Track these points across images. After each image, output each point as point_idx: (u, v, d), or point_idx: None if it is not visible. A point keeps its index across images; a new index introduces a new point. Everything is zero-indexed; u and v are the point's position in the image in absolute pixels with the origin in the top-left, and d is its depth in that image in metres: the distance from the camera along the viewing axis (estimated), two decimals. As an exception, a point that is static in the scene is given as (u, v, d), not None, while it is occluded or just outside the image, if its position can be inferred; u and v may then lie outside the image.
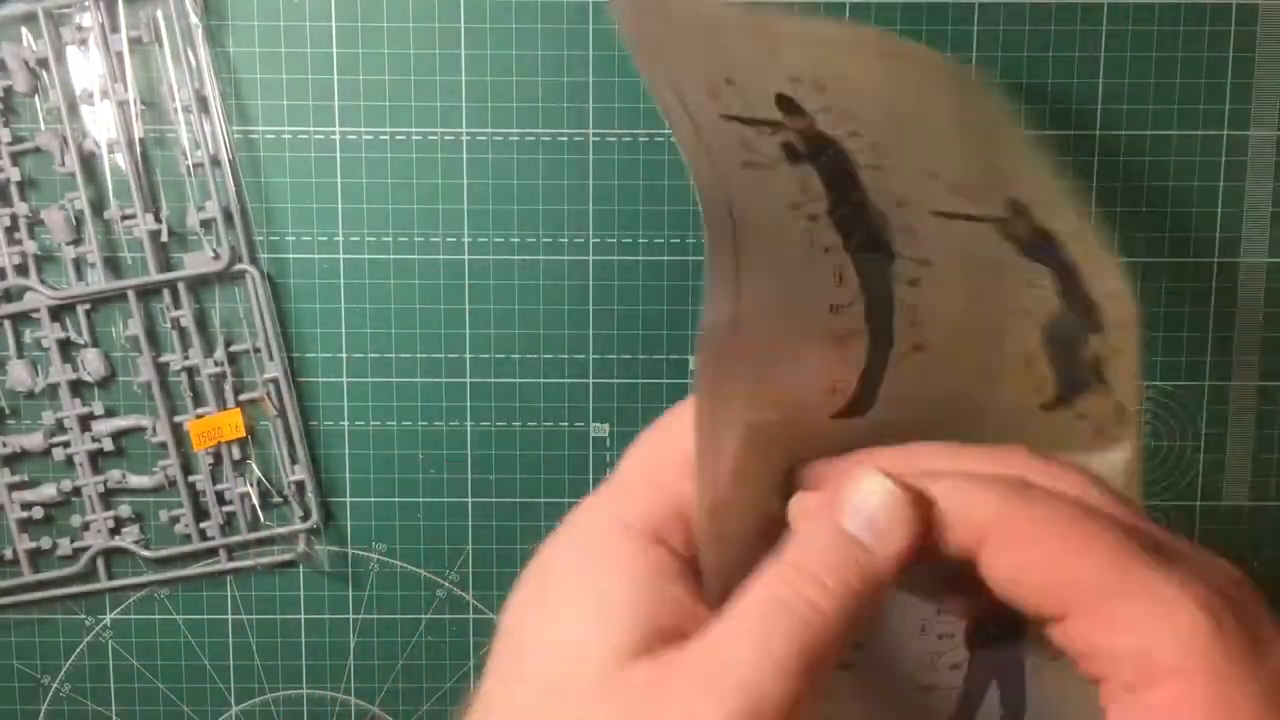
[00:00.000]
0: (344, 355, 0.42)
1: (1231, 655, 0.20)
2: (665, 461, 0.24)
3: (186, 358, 0.41)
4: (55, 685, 0.43)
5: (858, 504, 0.23)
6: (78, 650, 0.43)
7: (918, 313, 0.28)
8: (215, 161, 0.40)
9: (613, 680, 0.21)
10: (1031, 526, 0.22)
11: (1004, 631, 0.30)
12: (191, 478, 0.42)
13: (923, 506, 0.23)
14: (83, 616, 0.43)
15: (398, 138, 0.41)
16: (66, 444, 0.42)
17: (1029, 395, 0.30)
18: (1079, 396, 0.30)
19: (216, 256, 0.40)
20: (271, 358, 0.41)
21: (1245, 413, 0.43)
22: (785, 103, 0.28)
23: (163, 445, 0.42)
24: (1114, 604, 0.21)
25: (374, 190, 0.41)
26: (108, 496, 0.42)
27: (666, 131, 0.41)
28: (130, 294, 0.41)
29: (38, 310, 0.41)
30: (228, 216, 0.40)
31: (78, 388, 0.42)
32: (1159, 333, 0.42)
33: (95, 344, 0.41)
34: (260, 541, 0.42)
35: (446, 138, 0.41)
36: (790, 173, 0.27)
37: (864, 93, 0.29)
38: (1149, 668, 0.21)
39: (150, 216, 0.40)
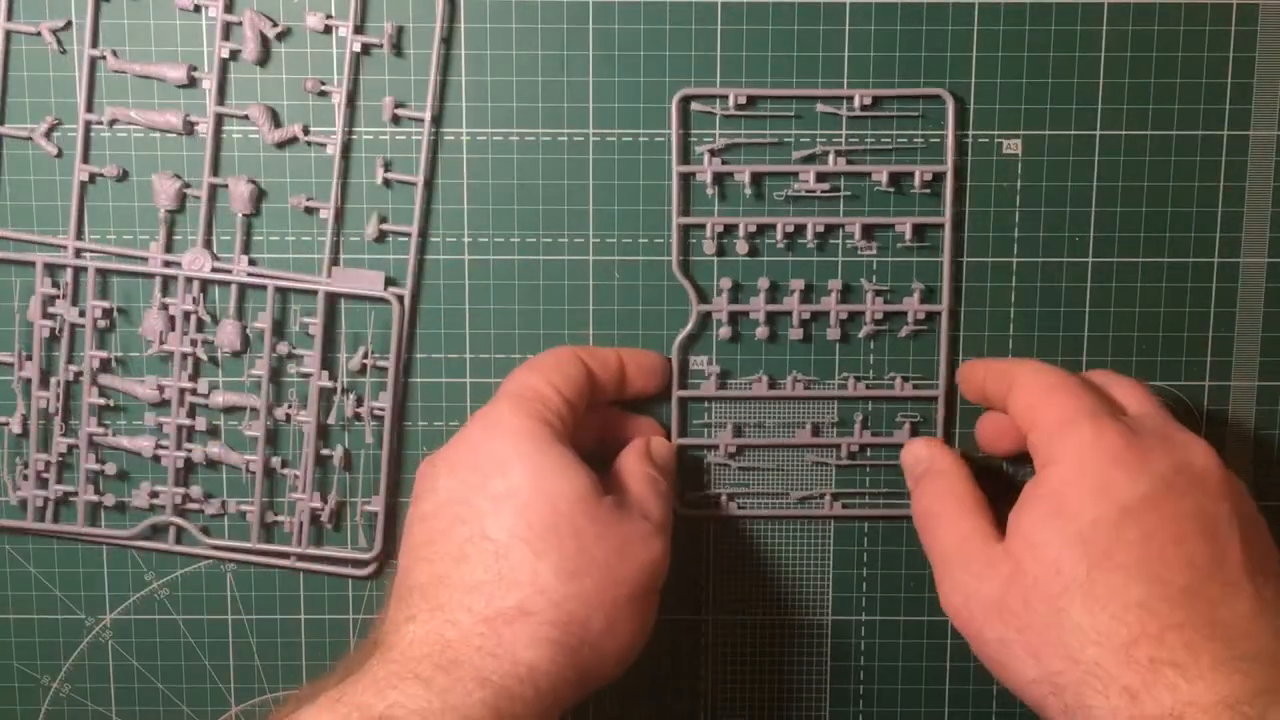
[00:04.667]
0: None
1: (1104, 456, 0.34)
2: (536, 376, 0.37)
3: (301, 364, 0.41)
4: (55, 685, 0.43)
5: None
6: (78, 650, 0.43)
7: None
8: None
9: (594, 508, 0.35)
10: (1033, 387, 0.37)
11: None
12: (275, 476, 0.42)
13: None
14: (83, 616, 0.43)
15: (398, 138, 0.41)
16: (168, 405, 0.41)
17: None
18: None
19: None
20: (385, 388, 0.41)
21: (1245, 413, 0.43)
22: None
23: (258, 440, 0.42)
24: (1046, 423, 0.36)
25: (374, 190, 0.41)
26: (185, 473, 0.42)
27: (666, 131, 0.41)
28: (269, 287, 0.41)
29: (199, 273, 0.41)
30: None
31: (195, 362, 0.41)
32: (1159, 333, 0.42)
33: (239, 318, 0.41)
34: (317, 558, 0.42)
35: (447, 138, 0.41)
36: None
37: None
38: (1051, 456, 0.35)
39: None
